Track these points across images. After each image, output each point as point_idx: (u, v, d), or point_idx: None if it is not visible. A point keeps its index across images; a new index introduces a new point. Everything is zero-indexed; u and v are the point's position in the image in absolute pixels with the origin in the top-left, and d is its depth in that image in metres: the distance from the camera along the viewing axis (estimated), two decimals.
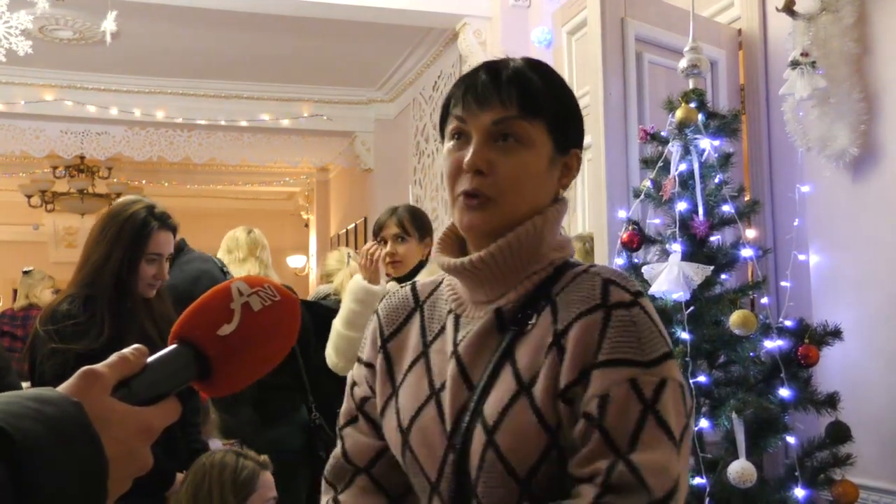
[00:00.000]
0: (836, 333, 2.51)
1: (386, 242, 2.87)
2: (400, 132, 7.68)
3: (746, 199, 2.85)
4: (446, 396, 1.13)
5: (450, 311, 1.20)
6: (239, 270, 3.64)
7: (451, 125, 1.18)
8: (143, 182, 10.29)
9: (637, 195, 2.70)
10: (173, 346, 0.75)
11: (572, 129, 1.20)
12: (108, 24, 4.64)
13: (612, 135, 2.95)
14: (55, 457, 0.58)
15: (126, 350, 0.71)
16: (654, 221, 2.73)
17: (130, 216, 2.38)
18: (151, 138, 8.17)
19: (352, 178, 9.13)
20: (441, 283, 1.26)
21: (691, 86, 2.71)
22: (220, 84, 7.44)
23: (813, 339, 2.48)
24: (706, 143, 2.59)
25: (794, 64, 2.73)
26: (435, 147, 6.78)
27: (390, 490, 1.23)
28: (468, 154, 1.14)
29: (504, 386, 1.08)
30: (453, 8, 5.36)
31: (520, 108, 1.13)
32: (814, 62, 2.70)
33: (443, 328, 1.20)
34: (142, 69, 7.07)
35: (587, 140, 4.20)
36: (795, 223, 2.89)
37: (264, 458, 2.13)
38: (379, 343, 1.25)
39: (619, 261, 2.65)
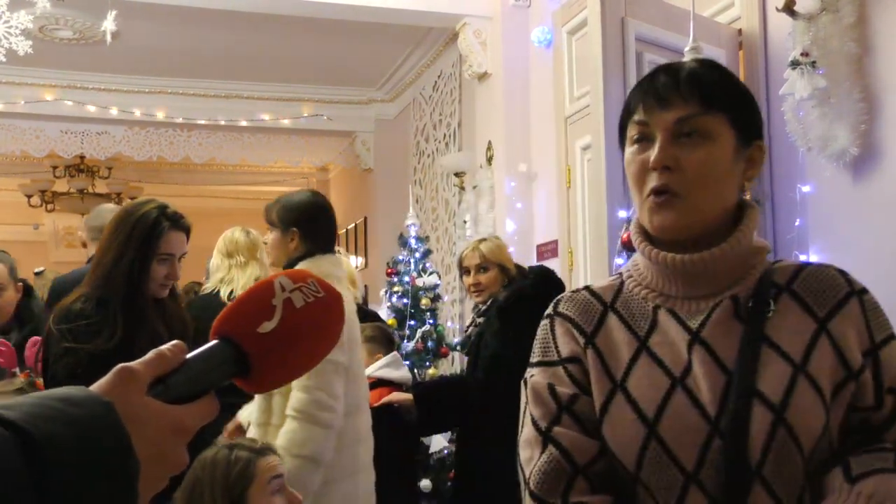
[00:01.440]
0: None
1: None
2: (400, 132, 7.68)
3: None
4: (698, 382, 1.13)
5: (657, 308, 1.21)
6: (242, 276, 3.62)
7: (633, 130, 1.21)
8: (143, 182, 10.29)
9: None
10: (213, 342, 0.73)
11: (753, 121, 1.22)
12: (109, 24, 4.64)
13: (612, 135, 2.94)
14: (81, 459, 0.57)
15: (164, 346, 0.70)
16: None
17: (142, 216, 2.39)
18: (151, 138, 8.17)
19: (352, 178, 9.13)
20: (622, 285, 1.27)
21: None
22: (220, 84, 7.44)
23: None
24: None
25: (795, 64, 2.73)
26: (435, 147, 6.78)
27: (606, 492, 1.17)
28: (653, 153, 1.16)
29: (775, 367, 1.12)
30: (453, 8, 5.36)
31: (701, 104, 1.16)
32: (814, 62, 2.70)
33: (654, 323, 1.20)
34: (142, 69, 7.07)
35: (587, 140, 4.19)
36: (796, 223, 2.89)
37: (265, 441, 2.02)
38: (583, 340, 1.22)
39: (619, 261, 2.65)
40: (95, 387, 0.65)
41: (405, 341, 4.90)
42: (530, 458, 1.19)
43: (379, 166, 8.10)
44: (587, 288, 1.29)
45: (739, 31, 3.29)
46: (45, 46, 6.21)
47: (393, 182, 7.67)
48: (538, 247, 4.92)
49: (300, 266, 2.62)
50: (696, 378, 1.13)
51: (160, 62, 6.94)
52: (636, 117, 1.20)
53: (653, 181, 1.16)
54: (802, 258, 2.89)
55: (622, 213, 2.77)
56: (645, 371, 1.16)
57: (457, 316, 5.86)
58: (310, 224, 2.67)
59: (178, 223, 2.44)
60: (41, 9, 4.37)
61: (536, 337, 1.29)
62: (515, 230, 4.99)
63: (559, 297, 1.31)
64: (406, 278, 5.23)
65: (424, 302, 5.00)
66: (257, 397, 2.55)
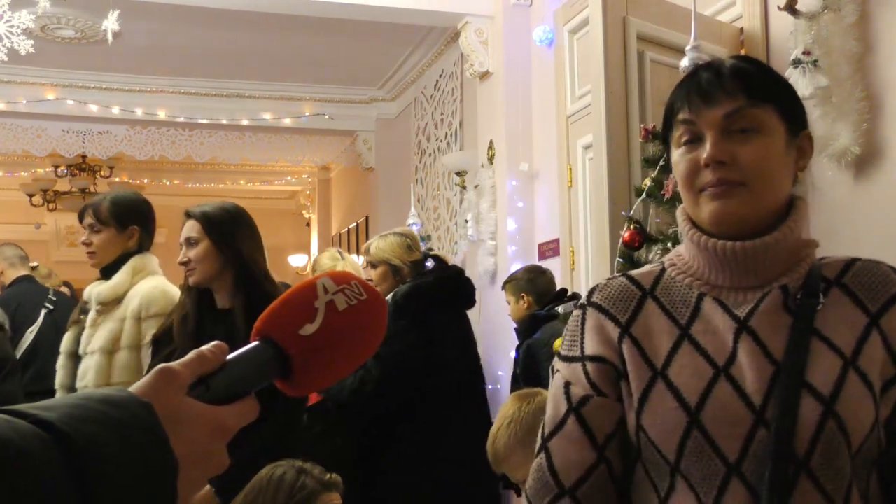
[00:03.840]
0: None
1: None
2: (401, 131, 7.68)
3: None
4: (744, 372, 1.11)
5: (701, 296, 1.18)
6: None
7: (679, 131, 1.19)
8: (145, 181, 10.30)
9: (639, 194, 2.70)
10: (254, 343, 0.73)
11: (799, 111, 1.22)
12: (110, 24, 4.64)
13: (613, 133, 2.94)
14: (120, 461, 0.57)
15: (205, 347, 0.69)
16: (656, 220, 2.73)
17: None
18: (153, 137, 8.17)
19: (353, 177, 9.13)
20: (662, 272, 1.24)
21: None
22: (221, 83, 7.44)
23: None
24: None
25: (796, 63, 2.73)
26: (436, 146, 6.78)
27: None
28: (705, 150, 1.14)
29: (825, 359, 1.10)
30: (455, 7, 5.36)
31: (748, 97, 1.15)
32: (816, 61, 2.70)
33: (697, 311, 1.18)
34: (143, 68, 7.07)
35: (589, 139, 4.18)
36: None
37: (333, 476, 1.95)
38: (618, 331, 1.19)
39: (620, 260, 2.65)
40: (136, 387, 0.65)
41: None
42: (539, 448, 1.22)
43: (380, 165, 8.10)
44: (625, 274, 1.27)
45: (741, 29, 3.29)
46: (46, 46, 6.21)
47: (394, 181, 7.67)
48: (539, 246, 4.92)
49: (134, 261, 2.72)
50: (742, 368, 1.11)
51: (162, 61, 6.94)
52: (681, 116, 1.19)
53: (707, 177, 1.15)
54: None
55: (623, 212, 2.77)
56: (687, 360, 1.14)
57: None
58: (148, 222, 2.85)
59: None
60: (43, 8, 4.37)
61: (568, 327, 1.26)
62: (517, 229, 4.99)
63: (595, 285, 1.27)
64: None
65: None
66: (97, 356, 2.68)
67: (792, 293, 1.15)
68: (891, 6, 2.67)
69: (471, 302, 3.58)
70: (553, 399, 1.22)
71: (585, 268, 4.29)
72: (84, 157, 9.07)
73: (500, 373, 4.93)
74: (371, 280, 3.32)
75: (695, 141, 1.17)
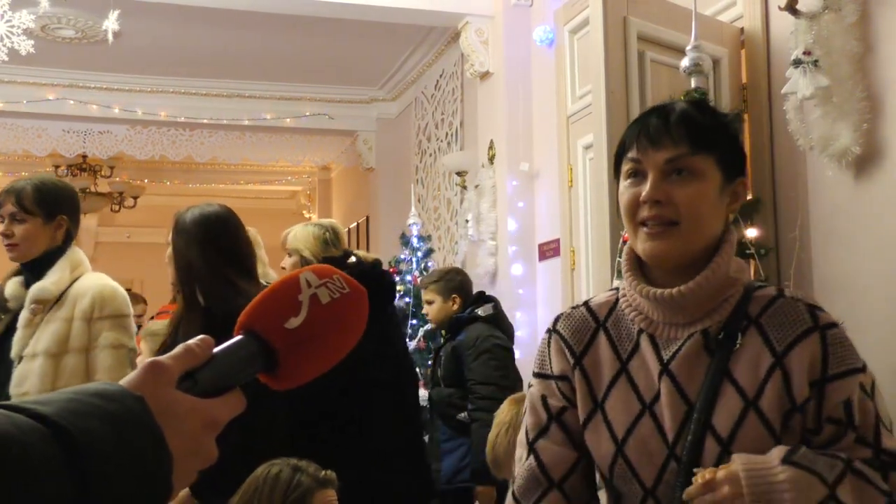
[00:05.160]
0: None
1: None
2: (402, 131, 7.68)
3: (748, 197, 2.84)
4: (663, 411, 1.26)
5: (640, 332, 1.31)
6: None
7: (626, 166, 1.31)
8: (145, 181, 10.29)
9: None
10: (239, 337, 0.74)
11: (738, 160, 1.33)
12: (111, 24, 4.64)
13: (614, 133, 2.94)
14: (118, 454, 0.58)
15: (191, 341, 0.70)
16: None
17: None
18: (153, 137, 8.17)
19: (354, 177, 9.13)
20: (616, 302, 1.37)
21: (693, 84, 2.70)
22: (222, 83, 7.44)
23: None
24: None
25: (797, 63, 2.73)
26: (437, 146, 6.78)
27: None
28: (646, 188, 1.26)
29: (729, 401, 1.23)
30: (455, 7, 5.36)
31: (690, 145, 1.26)
32: (816, 61, 2.70)
33: (636, 346, 1.32)
34: (144, 68, 7.07)
35: (589, 139, 4.18)
36: (798, 222, 2.89)
37: (328, 473, 1.97)
38: (572, 360, 1.36)
39: (621, 259, 2.65)
40: (125, 381, 0.65)
41: (407, 340, 4.90)
42: (519, 457, 1.38)
43: (381, 165, 8.10)
44: (587, 304, 1.41)
45: (741, 29, 3.29)
46: (47, 46, 6.21)
47: (395, 181, 7.67)
48: (540, 246, 4.92)
49: (71, 256, 2.56)
50: (662, 406, 1.26)
51: (162, 61, 6.94)
52: (630, 154, 1.30)
53: (644, 213, 1.26)
54: (804, 257, 2.89)
55: None
56: (621, 394, 1.31)
57: None
58: (76, 212, 2.61)
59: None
60: (43, 8, 4.37)
61: (539, 348, 1.42)
62: (517, 229, 4.99)
63: (560, 313, 1.43)
64: (408, 277, 5.24)
65: None
66: (40, 360, 2.47)
67: (713, 335, 1.27)
68: (891, 6, 2.67)
69: (388, 299, 3.36)
70: (533, 409, 1.38)
71: (586, 268, 4.29)
72: (84, 157, 9.07)
73: None
74: (285, 269, 3.20)
75: (638, 176, 1.29)
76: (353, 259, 3.13)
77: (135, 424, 0.60)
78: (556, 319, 1.42)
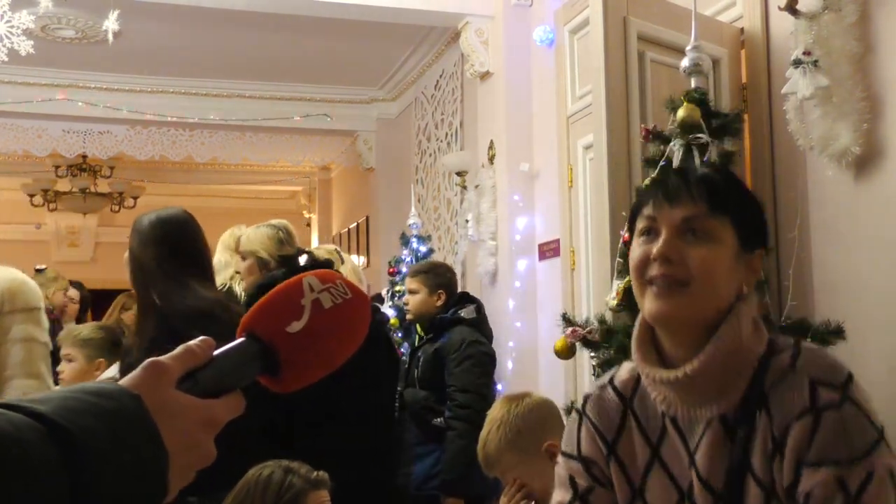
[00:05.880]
0: (839, 332, 2.51)
1: None
2: (402, 131, 7.68)
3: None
4: (697, 499, 1.24)
5: (663, 415, 1.27)
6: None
7: (641, 224, 1.27)
8: (145, 181, 10.29)
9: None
10: (241, 339, 0.74)
11: (757, 230, 1.28)
12: (111, 24, 4.64)
13: (614, 134, 2.94)
14: (114, 451, 0.59)
15: (192, 342, 0.71)
16: None
17: None
18: (153, 137, 8.17)
19: (354, 177, 9.13)
20: (639, 378, 1.32)
21: (693, 85, 2.70)
22: (222, 83, 7.43)
23: (815, 337, 2.48)
24: (708, 142, 2.59)
25: (797, 63, 2.73)
26: (437, 146, 6.78)
27: None
28: (658, 245, 1.21)
29: (753, 493, 1.19)
30: (455, 7, 5.36)
31: (708, 205, 1.21)
32: (816, 61, 2.70)
33: (664, 431, 1.28)
34: (144, 68, 7.07)
35: (589, 139, 4.18)
36: (797, 222, 2.89)
37: (320, 474, 1.96)
38: (605, 449, 1.34)
39: (621, 260, 2.65)
40: (126, 381, 0.66)
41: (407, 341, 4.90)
42: None
43: (381, 165, 8.10)
44: (612, 382, 1.37)
45: (741, 30, 3.29)
46: (47, 46, 6.21)
47: (395, 181, 7.67)
48: (540, 246, 4.92)
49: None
50: (695, 495, 1.25)
51: (162, 61, 6.94)
52: (646, 212, 1.26)
53: (654, 270, 1.22)
54: (803, 257, 2.89)
55: (624, 213, 2.77)
56: (659, 481, 1.29)
57: None
58: None
59: None
60: (43, 8, 4.37)
61: (567, 425, 1.42)
62: (517, 229, 4.99)
63: (589, 393, 1.40)
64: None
65: None
66: None
67: (731, 422, 1.22)
68: (891, 6, 2.67)
69: None
70: (561, 486, 1.38)
71: (586, 268, 4.29)
72: (85, 157, 9.07)
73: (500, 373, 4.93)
74: (239, 273, 3.18)
75: (651, 234, 1.24)
76: (304, 257, 3.09)
77: (130, 422, 0.61)
78: (585, 400, 1.39)
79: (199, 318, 2.21)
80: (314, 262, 3.06)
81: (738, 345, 1.20)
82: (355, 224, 8.98)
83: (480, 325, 3.90)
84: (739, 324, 1.21)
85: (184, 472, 0.66)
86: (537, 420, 2.10)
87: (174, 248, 2.39)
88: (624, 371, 1.37)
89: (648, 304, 1.22)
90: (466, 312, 3.82)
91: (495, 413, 2.14)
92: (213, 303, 2.30)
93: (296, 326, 0.74)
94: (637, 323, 1.29)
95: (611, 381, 1.37)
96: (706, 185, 1.23)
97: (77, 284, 5.95)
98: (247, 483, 1.91)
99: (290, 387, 0.76)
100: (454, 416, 3.55)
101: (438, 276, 3.98)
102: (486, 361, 3.76)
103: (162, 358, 0.68)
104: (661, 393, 1.26)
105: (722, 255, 1.21)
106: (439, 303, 3.93)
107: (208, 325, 2.14)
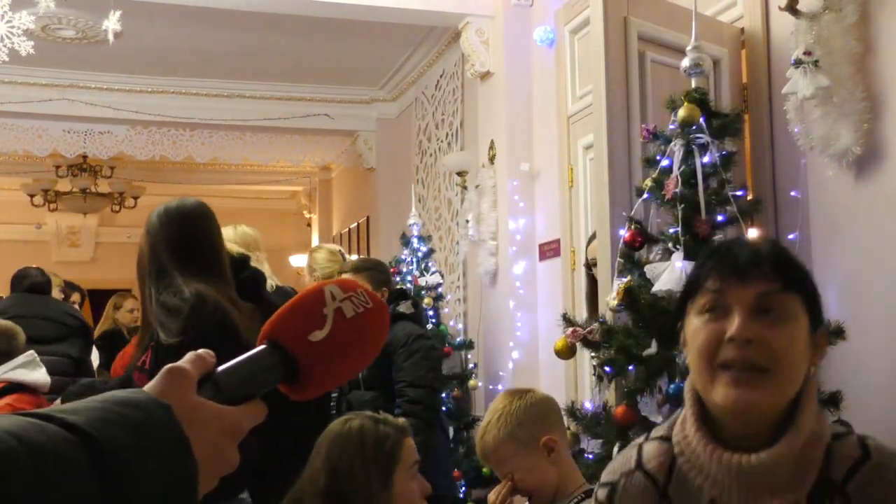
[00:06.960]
0: (839, 332, 2.50)
1: None
2: (402, 131, 7.68)
3: (749, 198, 2.84)
4: None
5: (712, 501, 1.15)
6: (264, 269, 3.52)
7: (703, 299, 1.16)
8: (146, 181, 10.29)
9: (639, 194, 2.69)
10: (263, 346, 0.75)
11: (820, 308, 1.20)
12: (111, 24, 4.64)
13: (614, 134, 2.94)
14: (143, 462, 0.59)
15: (200, 351, 0.71)
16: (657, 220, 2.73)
17: None
18: (154, 137, 8.17)
19: (354, 177, 9.13)
20: (674, 460, 1.20)
21: (694, 85, 2.70)
22: (222, 83, 7.44)
23: None
24: (708, 143, 2.59)
25: (797, 63, 2.73)
26: (437, 146, 6.78)
27: None
28: (733, 326, 1.11)
29: None
30: (456, 7, 5.36)
31: (784, 282, 1.13)
32: (816, 61, 2.70)
33: None
34: (144, 68, 7.07)
35: (589, 139, 4.18)
36: (798, 222, 2.89)
37: (403, 421, 1.92)
38: None
39: (621, 260, 2.65)
40: (150, 387, 0.66)
41: None
42: None
43: (381, 165, 8.10)
44: (640, 468, 1.25)
45: (742, 30, 3.29)
46: (47, 46, 6.21)
47: (395, 181, 7.67)
48: (540, 246, 4.92)
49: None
50: None
51: (162, 61, 6.94)
52: (710, 285, 1.16)
53: (729, 353, 1.11)
54: (804, 257, 2.89)
55: (624, 213, 2.77)
56: None
57: (460, 315, 5.86)
58: None
59: None
60: (44, 8, 4.37)
61: None
62: (517, 229, 4.99)
63: (611, 482, 1.28)
64: (408, 277, 5.23)
65: (427, 301, 5.00)
66: None
67: None
68: (891, 6, 2.67)
69: (254, 293, 2.91)
70: None
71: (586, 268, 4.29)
72: (85, 157, 9.07)
73: (500, 373, 4.93)
74: None
75: (717, 311, 1.15)
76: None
77: (160, 432, 0.61)
78: (612, 491, 1.26)
79: (167, 314, 2.13)
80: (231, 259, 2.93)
81: (811, 432, 1.14)
82: (356, 224, 8.98)
83: (418, 319, 3.86)
84: (813, 412, 1.15)
85: (208, 480, 0.67)
86: (539, 414, 2.10)
87: (170, 241, 2.29)
88: (652, 452, 1.24)
89: (723, 392, 1.12)
90: (405, 307, 3.76)
91: (497, 405, 2.14)
92: (187, 300, 2.15)
93: (318, 335, 0.75)
94: (688, 396, 1.20)
95: (638, 465, 1.24)
96: (780, 260, 1.16)
97: (71, 285, 5.95)
98: (337, 437, 1.82)
99: (309, 394, 0.76)
100: (405, 412, 3.41)
101: (383, 273, 3.90)
102: (434, 356, 3.72)
103: (180, 363, 0.68)
104: (716, 475, 1.14)
105: (800, 335, 1.14)
106: (384, 299, 3.83)
107: (170, 324, 2.10)
